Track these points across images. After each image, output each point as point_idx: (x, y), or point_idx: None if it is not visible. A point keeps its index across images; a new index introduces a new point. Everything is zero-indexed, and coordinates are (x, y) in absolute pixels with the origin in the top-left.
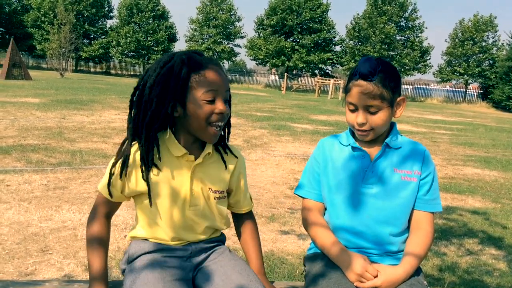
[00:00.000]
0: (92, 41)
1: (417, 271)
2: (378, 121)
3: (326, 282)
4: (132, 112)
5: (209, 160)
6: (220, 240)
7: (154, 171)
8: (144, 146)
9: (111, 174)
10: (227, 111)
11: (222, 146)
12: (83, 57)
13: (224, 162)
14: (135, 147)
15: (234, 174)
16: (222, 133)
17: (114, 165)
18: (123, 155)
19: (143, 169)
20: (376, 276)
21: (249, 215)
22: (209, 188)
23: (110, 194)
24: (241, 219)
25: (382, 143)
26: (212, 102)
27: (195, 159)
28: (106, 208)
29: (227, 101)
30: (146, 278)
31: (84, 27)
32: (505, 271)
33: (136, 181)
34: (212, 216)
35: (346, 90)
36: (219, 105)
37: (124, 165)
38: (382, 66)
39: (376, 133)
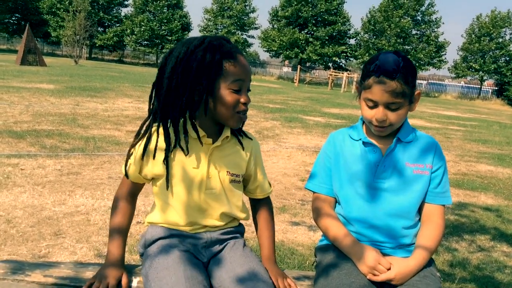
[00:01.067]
0: (107, 29)
1: (430, 262)
2: (397, 118)
3: (337, 273)
4: (160, 94)
5: (226, 144)
6: (238, 231)
7: (176, 154)
8: (170, 129)
9: (129, 155)
10: (249, 101)
11: (237, 130)
12: (97, 45)
13: (241, 144)
14: (153, 129)
15: (251, 156)
16: None
17: (133, 145)
18: (145, 136)
19: (166, 152)
20: (389, 269)
21: (267, 202)
22: (226, 172)
23: (126, 174)
24: (258, 205)
25: (393, 136)
26: (238, 92)
27: (213, 142)
28: (127, 188)
29: (249, 90)
30: (166, 262)
31: (99, 15)
32: None
33: (154, 163)
34: (227, 201)
35: (365, 86)
36: (244, 95)
37: (147, 146)
38: (404, 62)
39: (393, 128)
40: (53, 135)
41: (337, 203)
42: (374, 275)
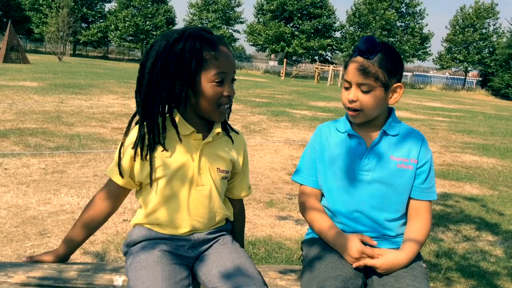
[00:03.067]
0: (91, 25)
1: (417, 256)
2: (368, 101)
3: (323, 266)
4: (142, 90)
5: (217, 140)
6: (226, 229)
7: (161, 151)
8: (154, 126)
9: (120, 157)
10: (234, 93)
11: (224, 124)
12: (81, 41)
13: (231, 137)
14: (136, 126)
15: (241, 150)
16: None
17: (122, 145)
18: (127, 135)
19: (147, 149)
20: (373, 258)
21: (242, 203)
22: (217, 168)
23: (121, 174)
24: (234, 205)
25: (379, 129)
26: (221, 84)
27: (204, 138)
28: (113, 193)
29: (233, 81)
30: (145, 262)
31: (82, 11)
32: (502, 257)
33: (143, 163)
34: (217, 199)
35: (345, 68)
36: (227, 88)
37: (143, 144)
38: (383, 48)
39: (366, 115)
40: (37, 133)
41: (323, 196)
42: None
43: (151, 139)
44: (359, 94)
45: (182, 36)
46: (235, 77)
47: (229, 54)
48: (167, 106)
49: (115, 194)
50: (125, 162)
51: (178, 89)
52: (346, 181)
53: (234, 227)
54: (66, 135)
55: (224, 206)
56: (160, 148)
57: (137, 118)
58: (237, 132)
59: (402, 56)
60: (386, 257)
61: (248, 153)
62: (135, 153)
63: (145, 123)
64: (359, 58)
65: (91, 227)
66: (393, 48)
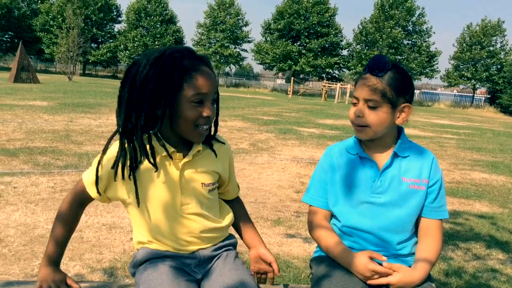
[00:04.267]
0: (100, 45)
1: (428, 277)
2: (374, 118)
3: (332, 284)
4: (122, 109)
5: (198, 157)
6: (231, 244)
7: (143, 171)
8: (135, 146)
9: (98, 175)
10: (213, 115)
11: (209, 137)
12: (91, 61)
13: (214, 151)
14: (116, 147)
15: (225, 161)
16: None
17: (100, 162)
18: (105, 153)
19: (130, 169)
20: (385, 273)
21: (238, 199)
22: (201, 184)
23: (98, 192)
24: (231, 203)
25: (389, 149)
26: (200, 104)
27: (184, 156)
28: (84, 200)
29: (215, 101)
30: (159, 279)
31: (92, 31)
32: None
33: (123, 183)
34: (208, 212)
35: (355, 85)
36: (207, 109)
37: (124, 164)
38: (394, 67)
39: (373, 132)
40: (46, 152)
41: (332, 217)
42: (371, 278)
43: (133, 158)
44: (365, 110)
45: (162, 55)
46: (219, 96)
47: (209, 74)
48: (147, 125)
49: (85, 202)
50: (103, 180)
51: (157, 109)
52: (358, 204)
53: (244, 229)
54: (75, 154)
55: (220, 214)
56: (141, 168)
57: (117, 136)
58: (223, 142)
59: (410, 74)
60: (401, 274)
61: (232, 159)
62: (116, 173)
63: (125, 142)
64: (368, 75)
65: (66, 232)
66: (403, 69)
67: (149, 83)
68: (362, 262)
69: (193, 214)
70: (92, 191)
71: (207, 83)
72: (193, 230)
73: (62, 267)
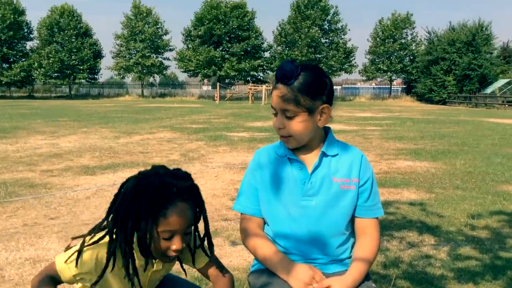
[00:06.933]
0: (12, 65)
1: (367, 277)
2: (295, 127)
3: None
4: (111, 221)
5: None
6: None
7: (110, 275)
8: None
9: (80, 253)
10: (181, 248)
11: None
12: (3, 82)
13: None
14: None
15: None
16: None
17: (80, 253)
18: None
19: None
20: (321, 283)
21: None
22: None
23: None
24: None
25: (317, 150)
26: (170, 239)
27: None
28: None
29: (188, 233)
30: None
31: (2, 51)
32: (446, 260)
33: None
34: None
35: (270, 95)
36: (176, 243)
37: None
38: (303, 71)
39: (297, 140)
40: None
41: (265, 224)
42: None
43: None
44: (284, 121)
45: (144, 188)
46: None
47: (180, 212)
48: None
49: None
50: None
51: (137, 234)
52: (291, 208)
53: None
54: None
55: None
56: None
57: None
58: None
59: (329, 71)
60: (337, 286)
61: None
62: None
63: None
64: (279, 85)
65: None
66: (315, 69)
67: (129, 213)
68: (302, 269)
69: None
70: (69, 279)
71: (177, 219)
72: None
73: None
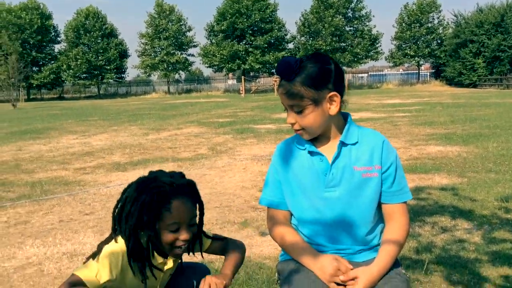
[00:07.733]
0: (42, 68)
1: (396, 263)
2: (305, 121)
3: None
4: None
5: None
6: None
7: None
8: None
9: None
10: (189, 238)
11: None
12: (34, 85)
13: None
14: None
15: None
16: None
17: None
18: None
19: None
20: (350, 275)
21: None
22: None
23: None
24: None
25: (336, 139)
26: (176, 231)
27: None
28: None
29: (193, 224)
30: None
31: (31, 55)
32: (480, 243)
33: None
34: None
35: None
36: (183, 233)
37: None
38: (304, 63)
39: (310, 132)
40: None
41: (292, 216)
42: (336, 282)
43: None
44: (295, 116)
45: (144, 191)
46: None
47: (182, 205)
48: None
49: None
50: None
51: (141, 235)
52: (315, 200)
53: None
54: (27, 183)
55: None
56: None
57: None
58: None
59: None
60: (364, 278)
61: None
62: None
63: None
64: (283, 82)
65: None
66: (317, 60)
67: (132, 216)
68: (328, 261)
69: None
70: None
71: (181, 212)
72: None
73: None
